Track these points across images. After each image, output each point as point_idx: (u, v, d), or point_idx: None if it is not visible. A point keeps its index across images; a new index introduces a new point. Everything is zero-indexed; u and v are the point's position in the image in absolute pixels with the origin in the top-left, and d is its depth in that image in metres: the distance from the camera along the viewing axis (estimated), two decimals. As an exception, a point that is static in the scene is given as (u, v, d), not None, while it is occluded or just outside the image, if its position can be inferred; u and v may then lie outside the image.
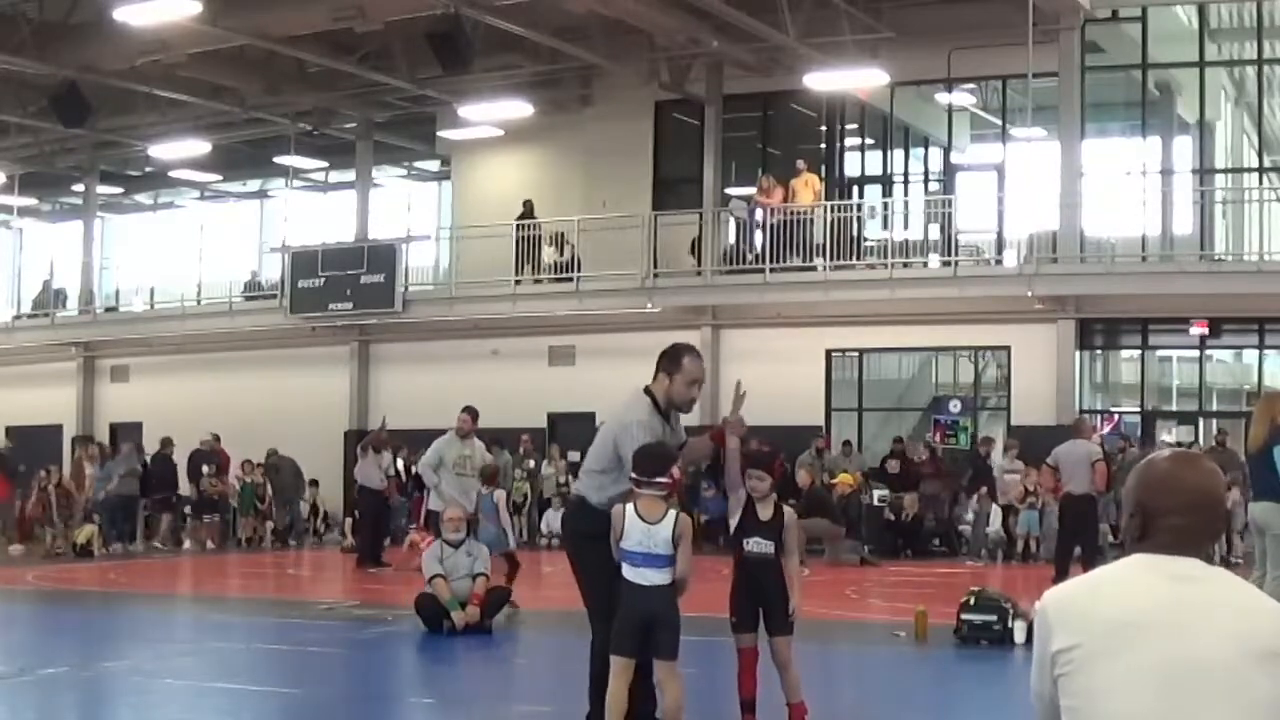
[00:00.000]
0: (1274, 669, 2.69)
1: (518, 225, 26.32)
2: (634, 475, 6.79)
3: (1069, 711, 2.77)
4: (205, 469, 24.76)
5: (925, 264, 24.65)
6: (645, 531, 6.74)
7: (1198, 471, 2.91)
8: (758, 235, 25.01)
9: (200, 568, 21.53)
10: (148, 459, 25.01)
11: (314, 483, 26.52)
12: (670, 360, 7.17)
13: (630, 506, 6.80)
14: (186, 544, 24.20)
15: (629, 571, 6.77)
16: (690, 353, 7.22)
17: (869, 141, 26.95)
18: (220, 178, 34.22)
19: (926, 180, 26.66)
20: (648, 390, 7.18)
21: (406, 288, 27.66)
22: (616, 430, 7.13)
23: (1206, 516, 2.87)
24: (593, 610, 7.18)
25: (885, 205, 26.62)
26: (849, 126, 26.56)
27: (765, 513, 7.52)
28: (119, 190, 35.95)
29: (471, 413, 14.63)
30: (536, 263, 26.40)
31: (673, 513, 6.79)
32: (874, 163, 27.06)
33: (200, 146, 28.67)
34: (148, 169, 33.31)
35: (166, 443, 25.23)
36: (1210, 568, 2.84)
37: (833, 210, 24.38)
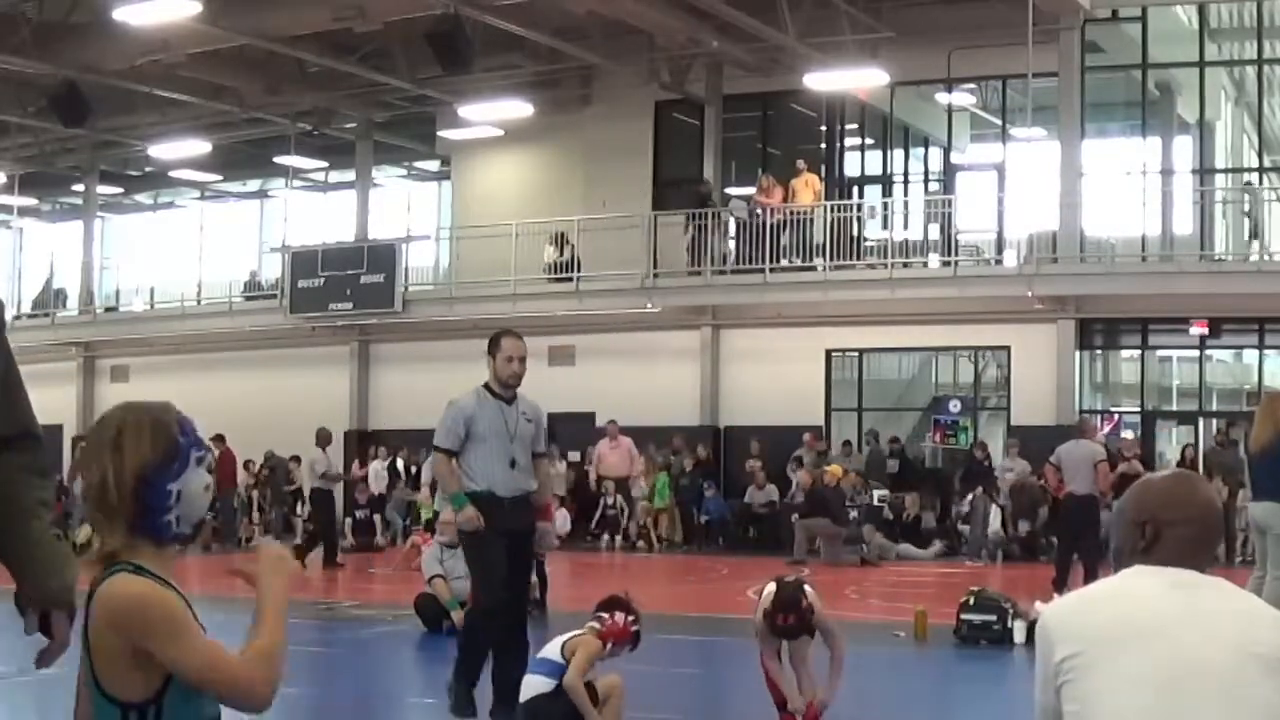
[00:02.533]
0: (1274, 679, 2.71)
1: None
2: None
3: (1071, 716, 2.78)
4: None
5: (925, 264, 24.63)
6: None
7: (1205, 487, 3.16)
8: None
9: (200, 568, 21.51)
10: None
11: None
12: (492, 343, 8.00)
13: None
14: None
15: None
16: (509, 335, 8.07)
17: (869, 141, 26.93)
18: (220, 178, 34.21)
19: (926, 180, 26.65)
20: (485, 383, 7.94)
21: (406, 288, 27.65)
22: None
23: (1211, 528, 3.03)
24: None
25: (885, 205, 26.61)
26: (849, 126, 26.54)
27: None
28: (119, 190, 35.92)
29: None
30: (710, 254, 24.92)
31: None
32: (874, 163, 27.05)
33: (200, 146, 28.67)
34: (148, 169, 33.29)
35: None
36: (1206, 576, 2.91)
37: (833, 210, 24.37)
